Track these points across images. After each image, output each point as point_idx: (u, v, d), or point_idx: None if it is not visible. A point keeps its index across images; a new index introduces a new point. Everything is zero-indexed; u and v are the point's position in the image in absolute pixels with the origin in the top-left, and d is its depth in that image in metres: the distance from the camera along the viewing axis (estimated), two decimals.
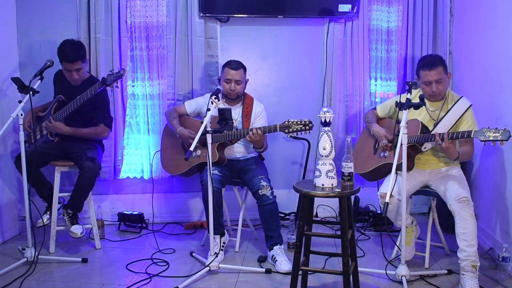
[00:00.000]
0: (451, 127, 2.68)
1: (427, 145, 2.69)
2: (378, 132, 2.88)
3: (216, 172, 2.96)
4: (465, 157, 2.66)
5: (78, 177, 3.00)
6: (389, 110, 3.00)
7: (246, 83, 3.18)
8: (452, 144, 2.50)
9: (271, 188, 2.92)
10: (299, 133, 2.82)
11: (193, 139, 2.45)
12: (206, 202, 2.79)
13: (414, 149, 2.67)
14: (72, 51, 2.98)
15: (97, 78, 3.35)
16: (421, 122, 2.68)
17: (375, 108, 3.09)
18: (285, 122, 2.84)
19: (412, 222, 2.83)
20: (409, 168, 2.68)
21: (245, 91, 3.24)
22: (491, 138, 2.37)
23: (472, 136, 2.44)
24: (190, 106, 3.22)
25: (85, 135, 3.12)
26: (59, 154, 3.12)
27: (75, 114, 3.04)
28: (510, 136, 2.34)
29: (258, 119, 3.19)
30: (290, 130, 2.81)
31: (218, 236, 2.89)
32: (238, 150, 3.18)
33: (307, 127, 2.80)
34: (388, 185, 2.32)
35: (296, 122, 2.81)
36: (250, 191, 3.01)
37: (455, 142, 2.57)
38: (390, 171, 2.28)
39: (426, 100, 2.71)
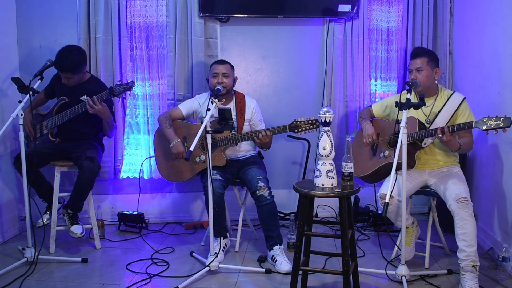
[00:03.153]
0: (448, 122, 2.70)
1: (427, 141, 2.71)
2: (367, 129, 2.90)
3: (218, 177, 2.94)
4: (466, 148, 2.68)
5: (78, 177, 3.00)
6: (385, 109, 3.00)
7: (234, 81, 3.18)
8: (453, 136, 2.53)
9: (269, 189, 2.92)
10: (306, 131, 2.93)
11: (186, 158, 2.42)
12: (208, 206, 2.78)
13: (414, 146, 2.68)
14: (66, 63, 2.99)
15: (99, 78, 3.36)
16: (418, 119, 2.70)
17: (370, 106, 3.10)
18: (293, 122, 2.93)
19: (413, 223, 2.84)
20: (411, 166, 2.69)
21: (241, 91, 3.24)
22: (493, 126, 2.38)
23: (473, 126, 2.45)
24: (185, 108, 3.16)
25: (108, 118, 3.08)
26: (59, 154, 3.12)
27: (80, 113, 3.05)
28: (511, 122, 2.34)
29: (255, 115, 3.19)
30: (300, 129, 2.92)
31: (220, 237, 2.90)
32: (239, 149, 3.17)
33: (314, 125, 2.92)
34: (388, 186, 2.32)
35: (304, 121, 2.92)
36: (249, 191, 3.01)
37: (455, 134, 2.58)
38: (389, 172, 2.28)
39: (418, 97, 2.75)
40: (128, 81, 2.97)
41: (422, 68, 2.72)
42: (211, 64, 3.17)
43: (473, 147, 2.76)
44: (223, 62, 3.14)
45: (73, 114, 3.03)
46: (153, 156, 3.35)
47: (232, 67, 3.16)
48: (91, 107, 2.92)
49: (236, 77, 3.22)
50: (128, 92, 2.95)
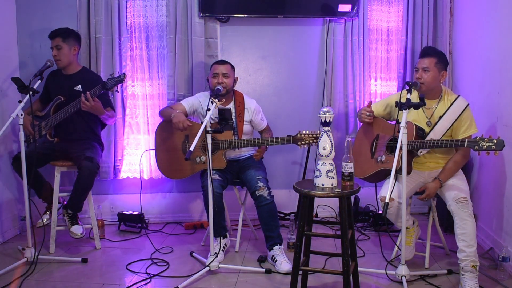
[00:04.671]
0: (448, 129, 2.68)
1: (423, 150, 2.69)
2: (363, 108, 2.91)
3: (217, 177, 2.95)
4: (455, 170, 2.68)
5: (77, 177, 3.00)
6: (385, 108, 2.94)
7: (235, 81, 3.18)
8: (435, 188, 2.62)
9: (268, 189, 2.91)
10: (310, 145, 2.94)
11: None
12: (207, 206, 2.77)
13: (410, 154, 2.65)
14: (54, 30, 3.10)
15: (92, 71, 3.38)
16: (416, 125, 2.66)
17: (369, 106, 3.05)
18: (297, 134, 2.94)
19: (413, 223, 2.83)
20: (407, 172, 2.65)
21: (241, 91, 3.24)
22: (484, 148, 2.37)
23: (465, 145, 2.44)
24: (187, 104, 3.16)
25: (101, 114, 3.11)
26: (58, 154, 3.12)
27: (77, 111, 3.05)
28: (504, 146, 2.33)
29: (256, 116, 3.19)
30: (303, 142, 2.93)
31: (220, 237, 2.91)
32: (239, 150, 3.17)
33: (317, 140, 2.88)
34: (388, 187, 2.32)
35: (308, 134, 2.93)
36: (248, 191, 3.02)
37: (438, 182, 2.64)
38: (388, 174, 2.27)
39: None
40: (120, 74, 2.97)
41: (429, 68, 2.66)
42: (212, 64, 3.17)
43: (467, 155, 2.74)
44: (223, 62, 3.14)
45: (69, 112, 3.03)
46: (152, 149, 3.32)
47: (233, 67, 3.16)
48: (83, 104, 2.93)
49: (237, 77, 3.22)
50: (121, 85, 2.96)
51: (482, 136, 2.40)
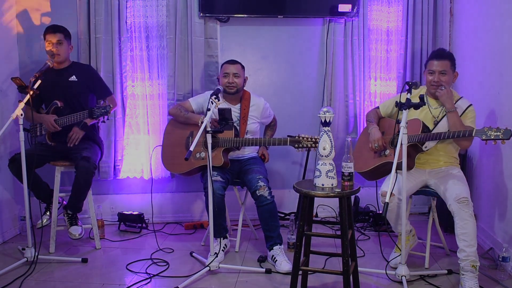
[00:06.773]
0: None
1: (428, 145, 2.69)
2: (373, 134, 2.85)
3: (218, 178, 2.94)
4: (461, 140, 2.67)
5: (75, 178, 2.99)
6: (392, 109, 2.98)
7: (245, 80, 3.19)
8: (449, 92, 2.64)
9: (269, 189, 2.91)
10: (306, 149, 2.90)
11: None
12: (208, 207, 2.77)
13: (415, 148, 2.67)
14: (55, 25, 3.14)
15: (81, 63, 3.38)
16: (422, 122, 2.68)
17: (378, 107, 3.08)
18: (295, 136, 2.91)
19: (410, 231, 2.82)
20: (409, 167, 2.68)
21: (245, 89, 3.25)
22: (492, 137, 2.38)
23: (473, 135, 2.46)
24: (195, 103, 3.18)
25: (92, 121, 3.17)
26: (56, 155, 3.12)
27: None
28: (511, 135, 2.35)
29: (266, 112, 3.24)
30: (300, 145, 2.90)
31: (220, 237, 2.91)
32: (240, 150, 3.17)
33: (316, 144, 2.86)
34: (389, 183, 2.32)
35: (307, 138, 2.89)
36: (249, 191, 3.01)
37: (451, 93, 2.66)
38: (390, 171, 2.28)
39: (428, 98, 2.77)
40: (106, 105, 2.90)
41: (447, 71, 2.70)
42: (222, 64, 3.19)
43: (473, 147, 2.75)
44: (234, 62, 3.15)
45: (67, 123, 3.03)
46: (160, 145, 3.33)
47: (243, 67, 3.17)
48: (73, 141, 3.06)
49: (247, 77, 3.23)
50: (106, 117, 2.93)
51: (490, 126, 2.42)
